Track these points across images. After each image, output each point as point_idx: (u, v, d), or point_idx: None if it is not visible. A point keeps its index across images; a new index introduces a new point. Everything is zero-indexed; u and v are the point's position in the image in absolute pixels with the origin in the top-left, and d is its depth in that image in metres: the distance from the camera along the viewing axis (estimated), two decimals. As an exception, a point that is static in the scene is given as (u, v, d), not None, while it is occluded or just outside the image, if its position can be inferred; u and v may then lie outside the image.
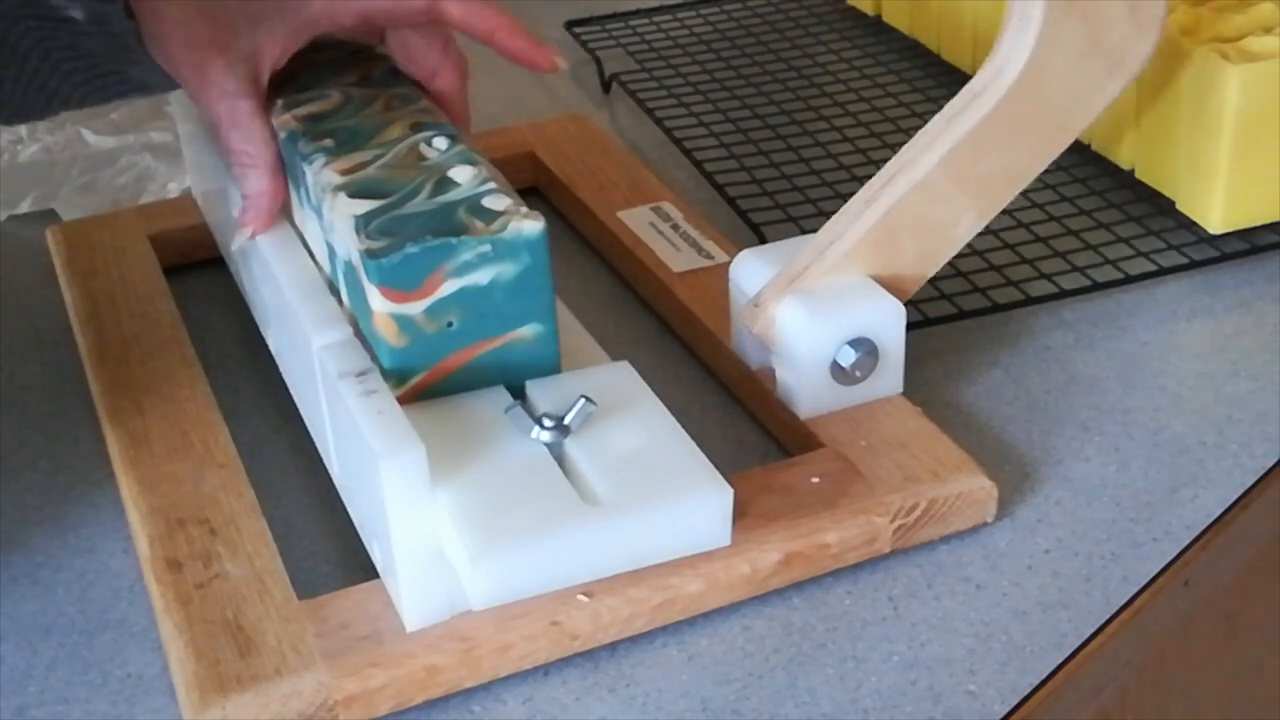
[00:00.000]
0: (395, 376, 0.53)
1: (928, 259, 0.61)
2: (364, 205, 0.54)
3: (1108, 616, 0.53)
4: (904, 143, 0.82)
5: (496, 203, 0.54)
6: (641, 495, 0.51)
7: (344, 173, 0.56)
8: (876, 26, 0.98)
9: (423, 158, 0.57)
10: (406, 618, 0.50)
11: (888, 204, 0.59)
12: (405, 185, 0.55)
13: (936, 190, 0.59)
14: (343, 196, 0.55)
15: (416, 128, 0.59)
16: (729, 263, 0.63)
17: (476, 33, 0.62)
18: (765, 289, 0.60)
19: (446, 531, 0.49)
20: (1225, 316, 0.69)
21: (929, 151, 0.59)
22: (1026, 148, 0.60)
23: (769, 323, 0.60)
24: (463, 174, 0.56)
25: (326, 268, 0.58)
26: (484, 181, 0.55)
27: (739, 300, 0.62)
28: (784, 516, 0.54)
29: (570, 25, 1.01)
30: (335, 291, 0.57)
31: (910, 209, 0.60)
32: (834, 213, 0.62)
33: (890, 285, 0.61)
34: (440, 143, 0.58)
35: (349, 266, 0.54)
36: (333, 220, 0.55)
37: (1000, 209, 0.61)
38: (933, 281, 0.70)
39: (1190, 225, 0.72)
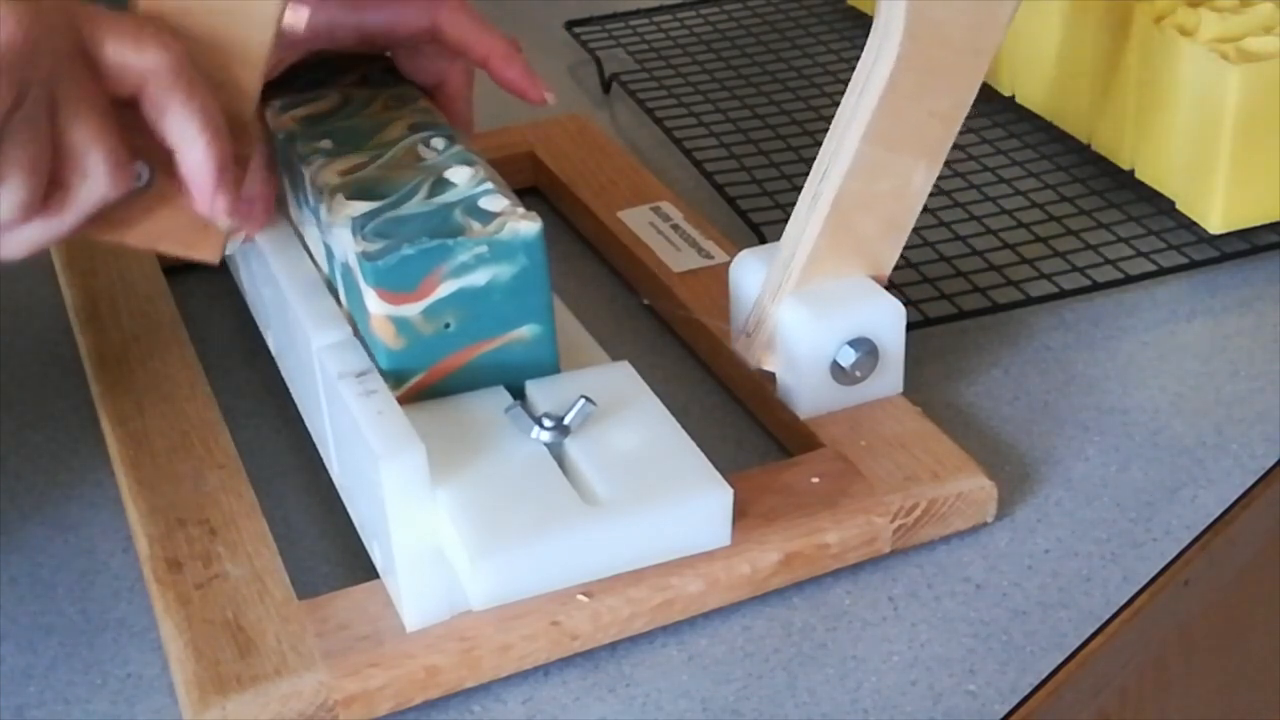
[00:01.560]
0: (393, 378, 0.53)
1: (895, 225, 0.60)
2: (362, 206, 0.54)
3: (1108, 616, 0.53)
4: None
5: (493, 204, 0.54)
6: (641, 495, 0.51)
7: (342, 174, 0.56)
8: (876, 26, 0.98)
9: (420, 158, 0.57)
10: (406, 618, 0.50)
11: (830, 198, 0.58)
12: (403, 186, 0.55)
13: (872, 165, 0.58)
14: (340, 198, 0.55)
15: (414, 128, 0.59)
16: (729, 263, 0.63)
17: (472, 55, 0.63)
18: (749, 318, 0.60)
19: (446, 532, 0.49)
20: (1225, 316, 0.69)
21: (849, 131, 0.58)
22: (947, 88, 0.58)
23: (763, 348, 0.60)
24: (460, 175, 0.56)
25: (325, 268, 0.58)
26: (481, 182, 0.55)
27: (739, 300, 0.62)
28: (784, 516, 0.54)
29: (570, 25, 1.01)
30: (334, 292, 0.57)
31: (853, 193, 0.58)
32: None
33: (869, 265, 0.60)
34: (438, 143, 0.58)
35: (346, 268, 0.54)
36: (330, 221, 0.55)
37: (949, 146, 0.60)
38: (932, 281, 0.70)
39: (1190, 225, 0.73)
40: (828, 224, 0.59)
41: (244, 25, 0.51)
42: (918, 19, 0.56)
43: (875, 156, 0.58)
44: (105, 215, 0.50)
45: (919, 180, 0.60)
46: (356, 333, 0.55)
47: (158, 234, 0.52)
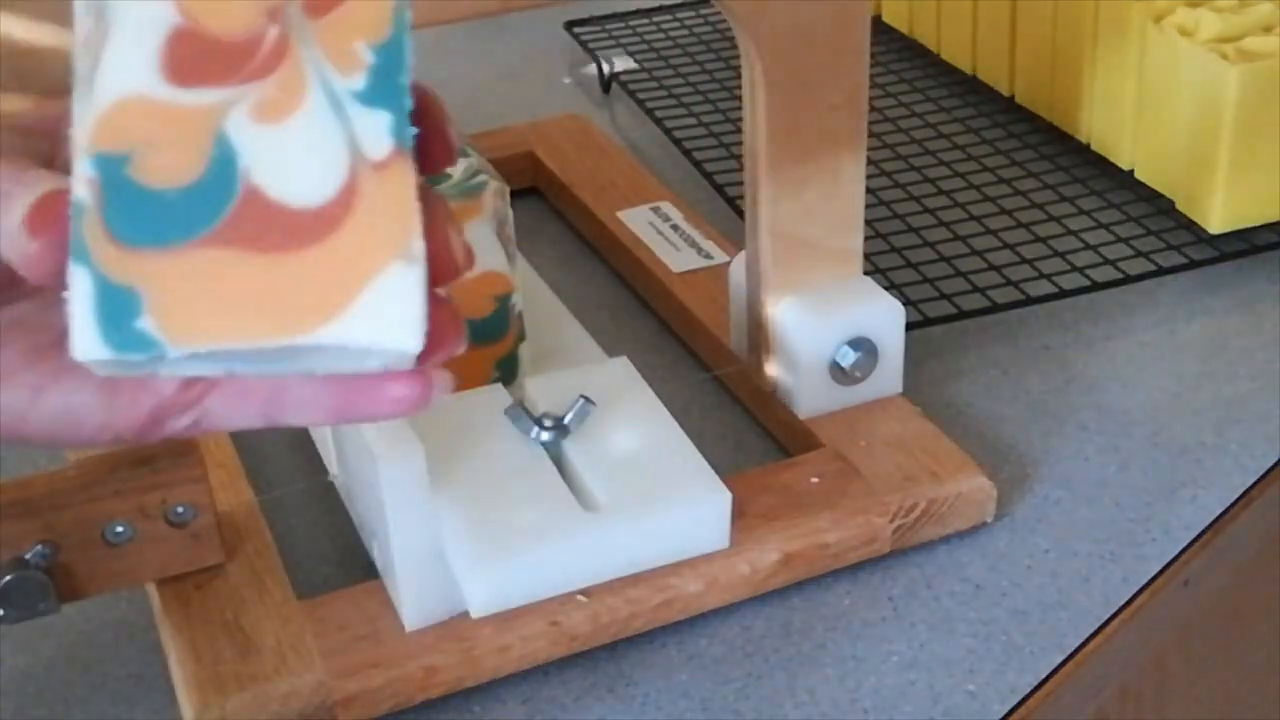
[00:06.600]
0: None
1: (844, 220, 0.59)
2: None
3: (1108, 616, 0.53)
4: (902, 143, 0.83)
5: None
6: (639, 500, 0.51)
7: None
8: (876, 26, 0.98)
9: None
10: (406, 618, 0.50)
11: (766, 226, 0.58)
12: None
13: (791, 182, 0.57)
14: None
15: None
16: (729, 263, 0.63)
17: None
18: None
19: (446, 538, 0.49)
20: (1225, 316, 0.69)
21: (758, 160, 0.57)
22: (835, 77, 0.55)
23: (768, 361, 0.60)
24: (455, 166, 0.56)
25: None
26: (475, 174, 0.55)
27: (739, 300, 0.62)
28: (783, 516, 0.54)
29: (570, 25, 1.01)
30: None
31: (784, 214, 0.58)
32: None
33: (838, 264, 0.59)
34: None
35: None
36: None
37: (865, 122, 0.57)
38: (932, 281, 0.70)
39: (1190, 225, 0.72)
40: (773, 250, 0.58)
41: None
42: (770, 33, 0.54)
43: (789, 175, 0.57)
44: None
45: (848, 170, 0.58)
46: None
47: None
